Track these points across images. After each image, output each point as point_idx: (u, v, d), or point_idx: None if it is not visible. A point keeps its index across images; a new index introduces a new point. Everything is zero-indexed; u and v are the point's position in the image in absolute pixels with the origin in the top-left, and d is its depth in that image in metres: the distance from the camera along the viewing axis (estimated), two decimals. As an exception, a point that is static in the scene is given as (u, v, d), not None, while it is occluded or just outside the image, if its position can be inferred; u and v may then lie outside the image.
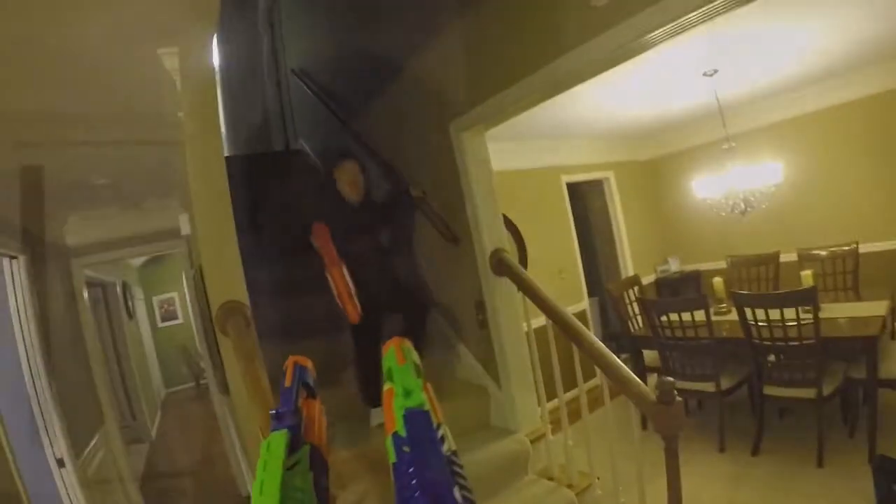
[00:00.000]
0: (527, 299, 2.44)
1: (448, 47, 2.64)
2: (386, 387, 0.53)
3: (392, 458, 0.42)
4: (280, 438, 0.39)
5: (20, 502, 2.06)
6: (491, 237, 2.63)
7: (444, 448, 0.52)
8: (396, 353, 0.53)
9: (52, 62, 1.84)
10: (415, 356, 0.51)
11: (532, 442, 2.51)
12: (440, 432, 0.53)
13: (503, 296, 2.59)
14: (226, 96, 5.84)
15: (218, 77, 4.55)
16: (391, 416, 0.48)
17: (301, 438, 0.40)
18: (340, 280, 2.36)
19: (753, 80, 4.35)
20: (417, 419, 0.42)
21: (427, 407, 0.50)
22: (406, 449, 0.41)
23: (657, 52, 1.98)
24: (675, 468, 1.71)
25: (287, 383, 0.46)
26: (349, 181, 2.65)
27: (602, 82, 2.53)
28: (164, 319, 10.22)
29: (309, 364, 0.52)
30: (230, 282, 1.90)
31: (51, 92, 2.03)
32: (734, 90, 4.42)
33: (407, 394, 0.47)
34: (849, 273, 4.33)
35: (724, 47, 3.35)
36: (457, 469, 0.52)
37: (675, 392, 1.71)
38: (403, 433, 0.43)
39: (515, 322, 2.63)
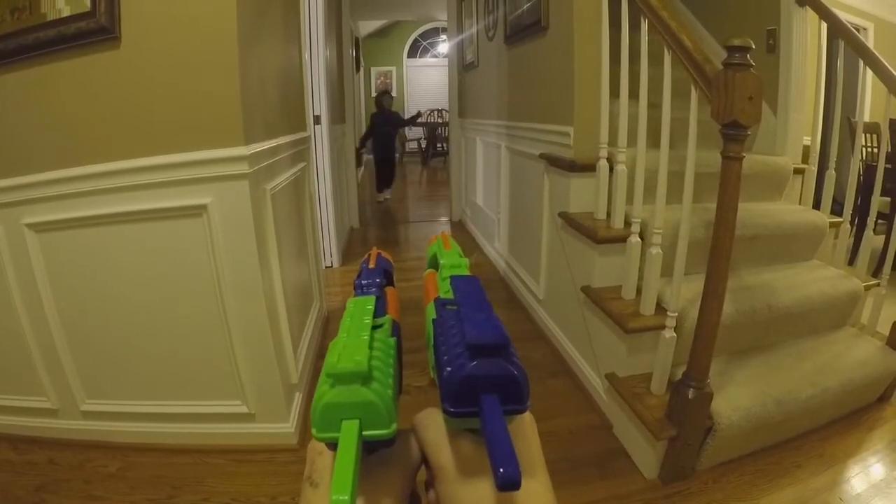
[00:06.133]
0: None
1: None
2: (427, 272, 0.52)
3: (431, 316, 0.40)
4: (368, 300, 0.39)
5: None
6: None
7: None
8: (443, 242, 0.52)
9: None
10: (460, 249, 0.50)
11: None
12: None
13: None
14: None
15: None
16: (433, 290, 0.46)
17: (384, 310, 0.41)
18: None
19: None
20: (467, 282, 0.40)
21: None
22: (451, 307, 0.38)
23: None
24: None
25: (371, 265, 0.47)
26: None
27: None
28: (377, 90, 11.25)
29: (391, 258, 0.53)
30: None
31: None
32: None
33: (453, 267, 0.46)
34: None
35: None
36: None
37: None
38: (449, 296, 0.40)
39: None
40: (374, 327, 0.36)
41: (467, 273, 0.44)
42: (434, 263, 0.49)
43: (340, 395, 0.29)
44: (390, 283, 0.50)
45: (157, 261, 1.72)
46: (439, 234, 0.54)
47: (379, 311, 0.40)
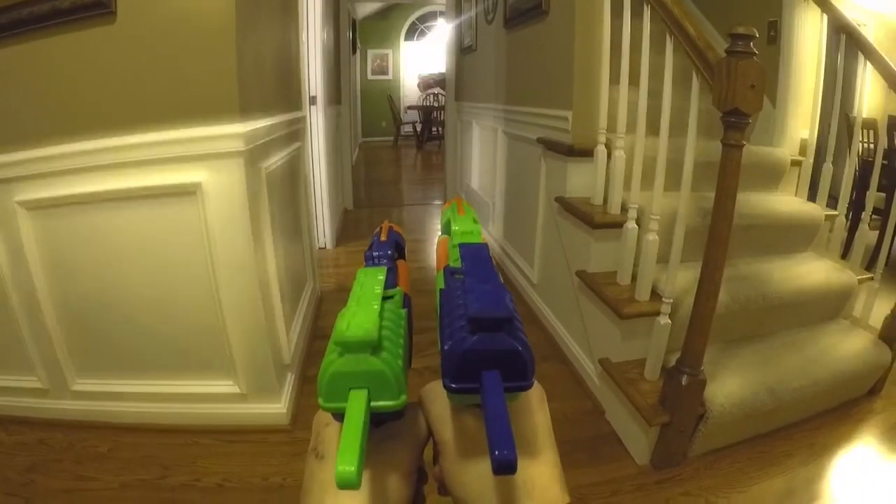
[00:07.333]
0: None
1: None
2: (440, 238, 0.51)
3: (440, 285, 0.38)
4: (379, 270, 0.38)
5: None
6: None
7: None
8: (458, 206, 0.51)
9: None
10: (475, 214, 0.48)
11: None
12: None
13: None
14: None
15: None
16: (444, 257, 0.44)
17: (395, 282, 0.39)
18: None
19: None
20: (475, 250, 0.39)
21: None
22: (458, 276, 0.36)
23: None
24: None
25: (382, 238, 0.46)
26: None
27: None
28: (373, 73, 11.85)
29: (401, 231, 0.52)
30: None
31: None
32: None
33: (464, 234, 0.44)
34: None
35: None
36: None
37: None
38: (458, 265, 0.39)
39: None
40: (385, 298, 0.35)
41: (480, 240, 0.42)
42: (449, 229, 0.49)
43: (349, 364, 0.29)
44: (402, 256, 0.49)
45: (150, 239, 1.70)
46: (454, 197, 0.52)
47: (390, 282, 0.39)
